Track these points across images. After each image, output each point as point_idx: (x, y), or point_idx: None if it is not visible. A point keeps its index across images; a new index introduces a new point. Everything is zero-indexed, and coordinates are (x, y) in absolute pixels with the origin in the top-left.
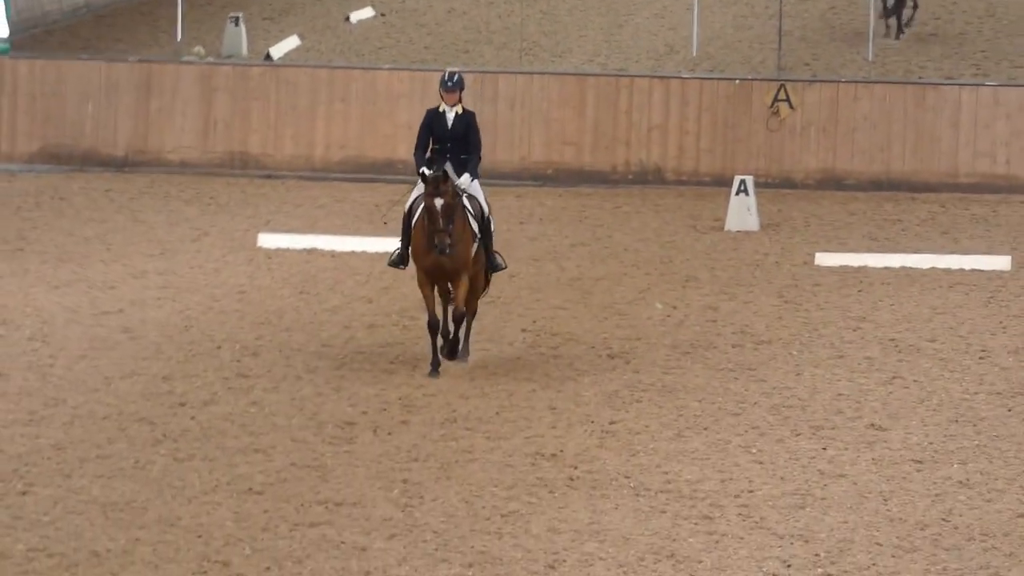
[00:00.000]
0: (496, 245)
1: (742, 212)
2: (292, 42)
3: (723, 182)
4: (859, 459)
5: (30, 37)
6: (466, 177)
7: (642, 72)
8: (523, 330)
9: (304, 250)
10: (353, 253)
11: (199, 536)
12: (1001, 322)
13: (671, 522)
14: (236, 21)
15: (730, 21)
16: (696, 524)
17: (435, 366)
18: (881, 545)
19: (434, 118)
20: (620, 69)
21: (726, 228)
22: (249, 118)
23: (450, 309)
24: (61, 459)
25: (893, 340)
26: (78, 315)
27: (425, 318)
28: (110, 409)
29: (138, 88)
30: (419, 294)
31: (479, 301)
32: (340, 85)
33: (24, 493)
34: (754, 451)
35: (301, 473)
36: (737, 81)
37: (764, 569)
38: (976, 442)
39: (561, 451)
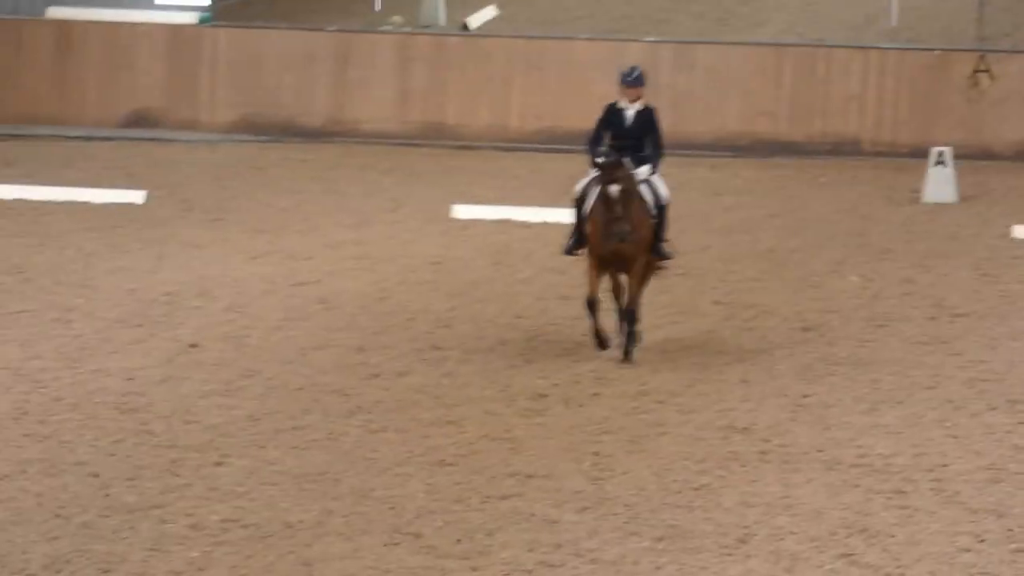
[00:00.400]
0: (688, 217)
1: (940, 184)
2: (489, 12)
3: (920, 153)
4: None
5: (230, 7)
6: (645, 168)
7: (840, 42)
8: (716, 302)
9: (498, 221)
10: (547, 224)
11: (391, 508)
12: None
13: (863, 496)
14: None
15: None
16: (889, 498)
17: (601, 342)
18: None
19: (612, 113)
20: (818, 39)
21: (923, 200)
22: (445, 88)
23: (622, 300)
24: (255, 430)
25: None
26: (274, 286)
27: (586, 295)
28: (304, 380)
29: (336, 58)
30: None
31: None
32: (536, 55)
33: (219, 464)
34: (948, 425)
35: (492, 445)
36: (936, 51)
37: (957, 544)
38: None
39: (753, 424)
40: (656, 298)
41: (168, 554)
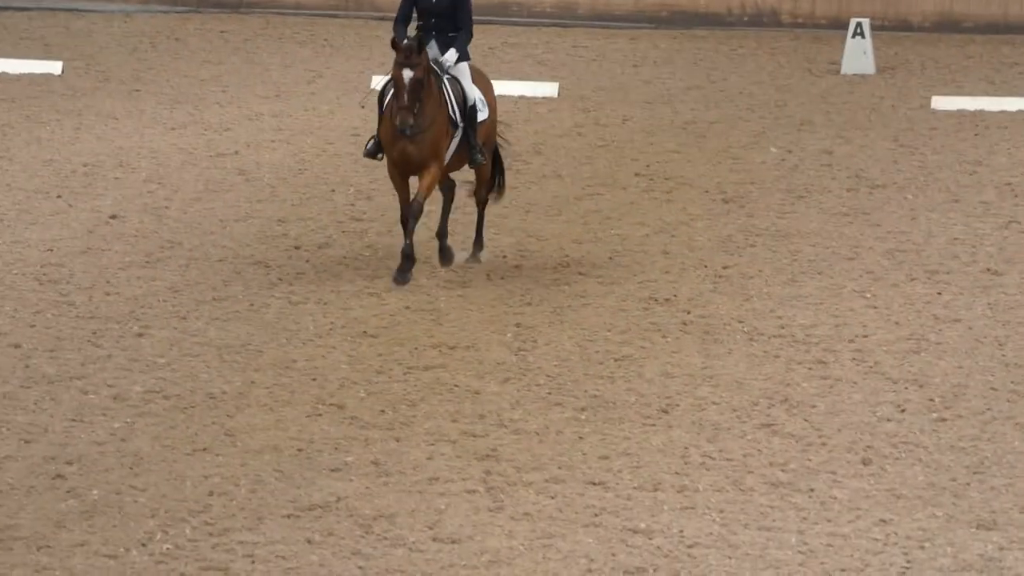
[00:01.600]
0: (608, 90)
1: (858, 55)
2: None
3: (839, 25)
4: (974, 304)
5: None
6: (451, 53)
7: None
8: (636, 174)
9: None
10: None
11: (314, 379)
12: None
13: (785, 367)
14: None
15: None
16: (810, 369)
17: (405, 268)
18: (996, 390)
19: None
20: None
21: (842, 72)
22: None
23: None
24: (177, 302)
25: (1009, 184)
26: (193, 157)
27: (400, 215)
28: (225, 252)
29: None
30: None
31: (491, 198)
32: None
33: (140, 335)
34: (868, 296)
35: (415, 317)
36: None
37: (878, 414)
38: None
39: (674, 296)
40: (578, 169)
41: (90, 425)
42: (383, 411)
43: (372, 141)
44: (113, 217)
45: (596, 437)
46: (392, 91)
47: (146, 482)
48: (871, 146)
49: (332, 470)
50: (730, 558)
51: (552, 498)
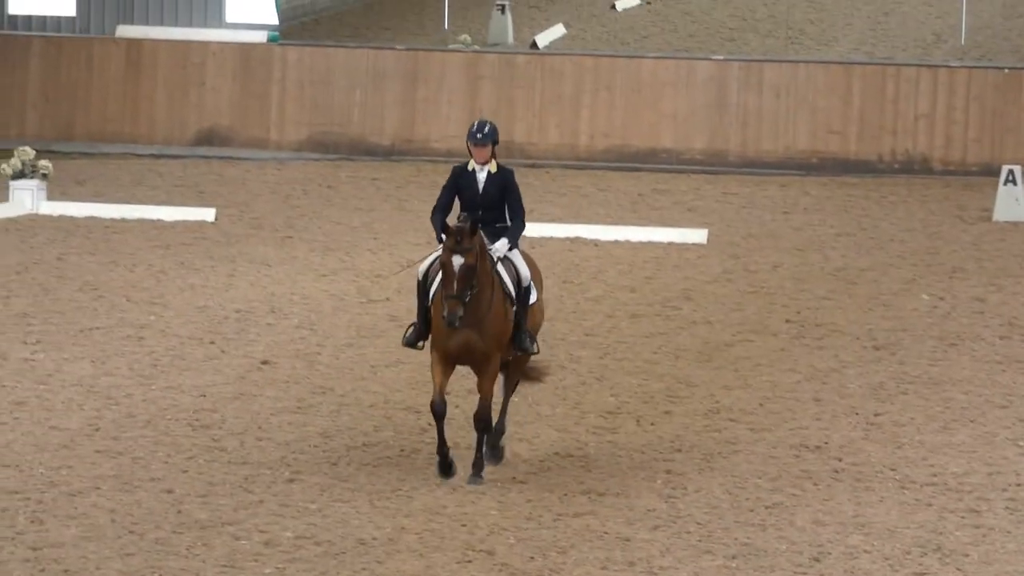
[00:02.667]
0: (759, 233)
1: (1010, 202)
2: (558, 31)
3: (991, 172)
4: None
5: (299, 25)
6: (502, 243)
7: (909, 60)
8: (787, 321)
9: (567, 239)
10: (616, 243)
11: (463, 525)
12: None
13: (937, 515)
14: (502, 9)
15: (999, 10)
16: (963, 517)
17: (445, 467)
18: None
19: (461, 177)
20: (887, 57)
21: (994, 219)
22: (514, 106)
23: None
24: (328, 447)
25: None
26: (345, 303)
27: (431, 399)
28: (376, 397)
29: (405, 76)
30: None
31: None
32: (605, 73)
33: (291, 481)
34: (1022, 444)
35: (564, 463)
36: (1005, 70)
37: None
38: None
39: (826, 443)
40: (727, 316)
41: (242, 571)
42: (533, 558)
43: (412, 329)
44: (265, 363)
45: None
46: (440, 277)
47: None
48: None
49: None
50: None
51: None
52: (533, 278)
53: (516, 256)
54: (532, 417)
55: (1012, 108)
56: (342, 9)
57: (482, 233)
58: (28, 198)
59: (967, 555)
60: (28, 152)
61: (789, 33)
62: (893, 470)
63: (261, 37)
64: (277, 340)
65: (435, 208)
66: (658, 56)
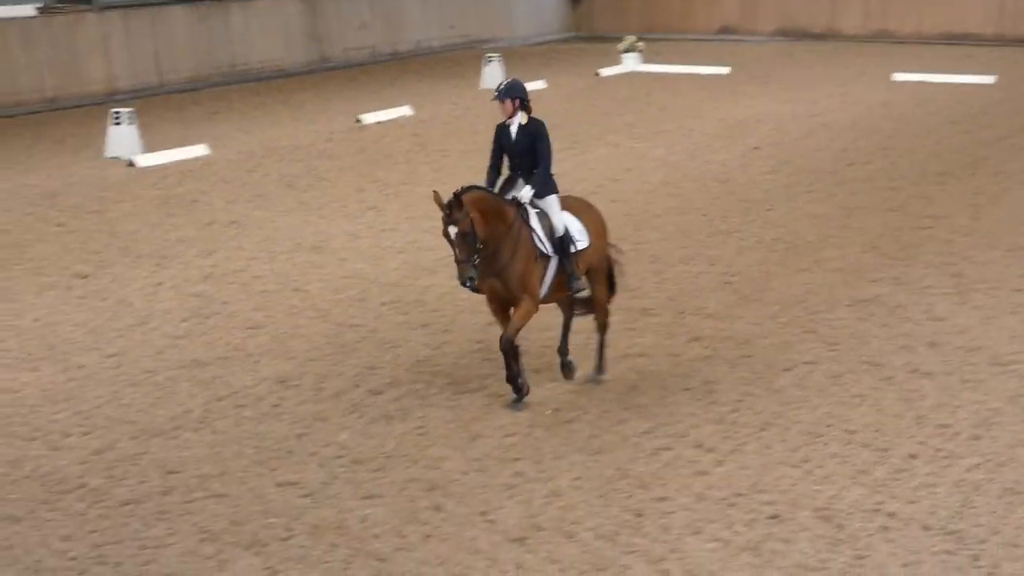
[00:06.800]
0: None
1: None
2: None
3: None
4: None
5: None
6: (526, 190)
7: None
8: None
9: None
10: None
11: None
12: None
13: None
14: None
15: None
16: None
17: (518, 392)
18: None
19: (501, 133)
20: None
21: None
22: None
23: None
24: None
25: None
26: (796, 117)
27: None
28: None
29: None
30: None
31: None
32: None
33: None
34: None
35: None
36: None
37: None
38: None
39: None
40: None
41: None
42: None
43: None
44: (756, 148)
45: None
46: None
47: None
48: None
49: None
50: None
51: None
52: (591, 224)
53: (550, 207)
54: None
55: None
56: None
57: (516, 189)
58: (631, 62)
59: None
60: (631, 38)
61: None
62: None
63: None
64: (765, 134)
65: (489, 166)
66: None
